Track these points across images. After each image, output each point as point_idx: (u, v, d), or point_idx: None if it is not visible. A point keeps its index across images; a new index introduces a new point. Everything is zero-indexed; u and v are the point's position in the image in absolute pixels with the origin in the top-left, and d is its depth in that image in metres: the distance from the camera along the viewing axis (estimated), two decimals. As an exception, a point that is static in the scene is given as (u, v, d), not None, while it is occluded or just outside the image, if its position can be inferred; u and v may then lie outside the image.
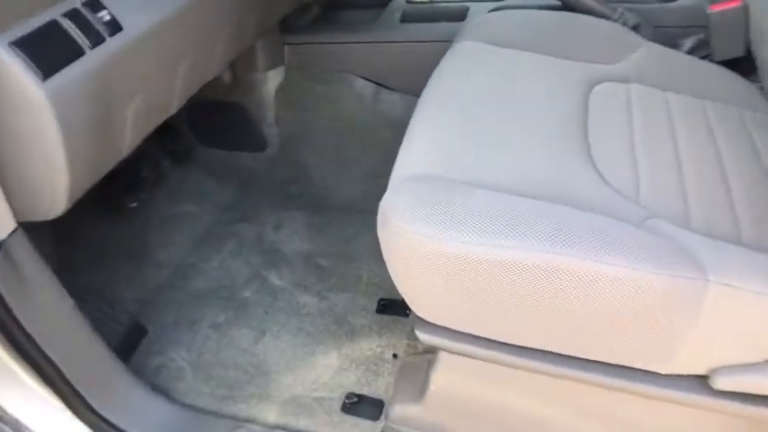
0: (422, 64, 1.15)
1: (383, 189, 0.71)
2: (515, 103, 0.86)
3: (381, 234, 0.65)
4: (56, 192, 0.68)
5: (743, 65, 1.03)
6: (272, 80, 1.37)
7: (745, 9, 0.98)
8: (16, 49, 0.58)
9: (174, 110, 0.92)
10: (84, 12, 0.64)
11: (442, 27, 1.28)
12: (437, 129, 0.80)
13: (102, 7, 0.66)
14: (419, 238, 0.60)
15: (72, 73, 0.62)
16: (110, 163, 0.82)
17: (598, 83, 0.94)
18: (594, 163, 0.76)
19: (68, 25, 0.62)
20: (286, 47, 1.36)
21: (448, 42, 1.08)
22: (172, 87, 0.88)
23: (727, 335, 0.62)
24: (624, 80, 0.96)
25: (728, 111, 0.94)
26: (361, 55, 1.31)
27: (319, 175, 1.39)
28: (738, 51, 1.02)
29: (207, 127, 1.46)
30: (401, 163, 0.74)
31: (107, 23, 0.65)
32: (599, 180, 0.73)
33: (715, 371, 0.65)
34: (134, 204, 1.32)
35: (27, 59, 0.59)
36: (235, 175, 1.47)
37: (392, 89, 1.33)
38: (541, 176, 0.71)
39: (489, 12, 1.19)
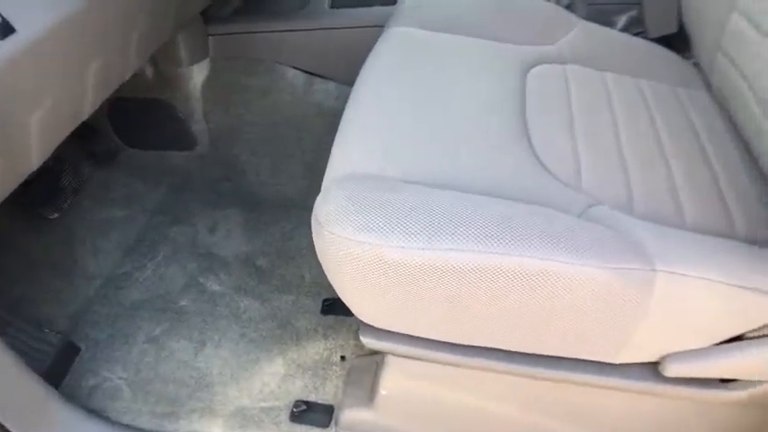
0: (355, 50, 1.11)
1: (320, 182, 0.67)
2: (451, 92, 0.82)
3: (316, 241, 0.61)
4: None
5: (676, 41, 1.03)
6: (198, 74, 1.29)
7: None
8: None
9: (86, 115, 0.85)
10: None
11: (375, 11, 1.24)
12: (370, 124, 0.75)
13: None
14: (355, 246, 0.56)
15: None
16: (18, 177, 0.75)
17: (534, 65, 0.91)
18: (535, 151, 0.74)
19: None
20: (210, 38, 1.28)
21: (381, 27, 1.04)
22: (82, 91, 0.81)
23: (677, 322, 0.61)
24: (561, 61, 0.94)
25: (664, 89, 0.94)
26: (290, 43, 1.25)
27: (253, 172, 1.33)
28: (672, 28, 1.01)
29: (131, 127, 1.37)
30: (334, 162, 0.69)
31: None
32: (540, 169, 0.71)
33: (665, 358, 0.64)
34: (54, 216, 1.23)
35: None
36: (163, 175, 1.39)
37: (325, 78, 1.28)
38: (480, 169, 0.68)
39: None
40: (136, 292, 1.15)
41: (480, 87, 0.84)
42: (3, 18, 0.59)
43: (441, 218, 0.57)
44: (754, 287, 0.60)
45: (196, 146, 1.37)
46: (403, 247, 0.55)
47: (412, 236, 0.55)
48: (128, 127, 1.38)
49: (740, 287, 0.59)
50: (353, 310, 0.65)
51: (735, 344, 0.64)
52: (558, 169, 0.71)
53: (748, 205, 0.72)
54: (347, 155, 0.70)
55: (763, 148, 0.74)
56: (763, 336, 0.64)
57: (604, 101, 0.88)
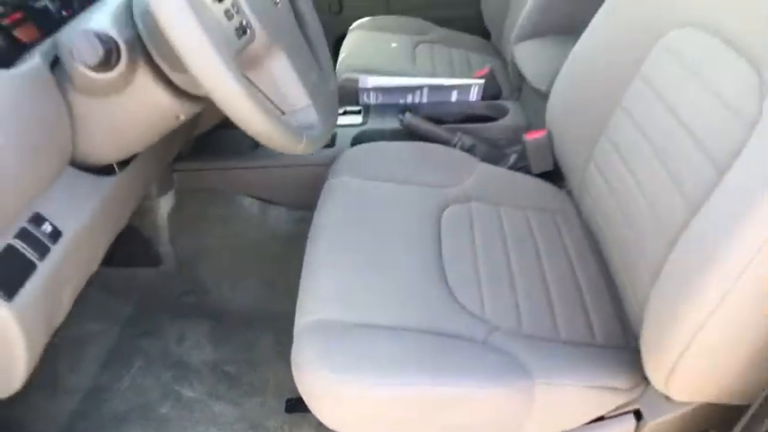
0: (302, 182, 1.36)
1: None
2: (386, 235, 1.08)
3: (299, 382, 0.83)
4: (11, 380, 0.79)
5: (554, 174, 1.33)
6: (164, 205, 1.49)
7: (549, 136, 1.28)
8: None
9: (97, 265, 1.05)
10: (31, 228, 0.77)
11: (317, 153, 1.49)
12: (326, 270, 0.99)
13: (44, 220, 0.79)
14: (330, 384, 0.79)
15: (30, 287, 0.74)
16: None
17: (447, 206, 1.18)
18: (449, 286, 0.99)
19: (20, 245, 0.75)
20: (175, 173, 1.49)
21: (322, 166, 1.30)
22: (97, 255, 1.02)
23: (554, 419, 0.86)
24: (467, 200, 1.21)
25: (546, 217, 1.22)
26: (246, 177, 1.48)
27: (216, 288, 1.53)
28: (549, 166, 1.31)
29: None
30: (301, 309, 0.92)
31: (50, 234, 0.79)
32: (453, 303, 0.96)
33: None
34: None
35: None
36: (133, 289, 1.57)
37: (278, 204, 1.51)
38: (409, 309, 0.92)
39: (352, 146, 1.41)
40: (118, 404, 1.31)
41: (408, 231, 1.09)
42: (54, 226, 0.80)
43: (387, 358, 0.81)
44: (609, 385, 0.87)
45: (162, 264, 1.56)
46: (365, 382, 0.79)
47: (372, 372, 0.79)
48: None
49: (599, 387, 0.86)
50: (327, 424, 0.87)
51: (597, 423, 0.91)
52: (467, 301, 0.97)
53: (605, 316, 1.00)
54: (311, 303, 0.93)
55: (618, 267, 1.02)
56: (618, 414, 0.92)
57: (499, 232, 1.15)
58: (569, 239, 1.16)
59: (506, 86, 1.71)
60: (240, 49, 0.72)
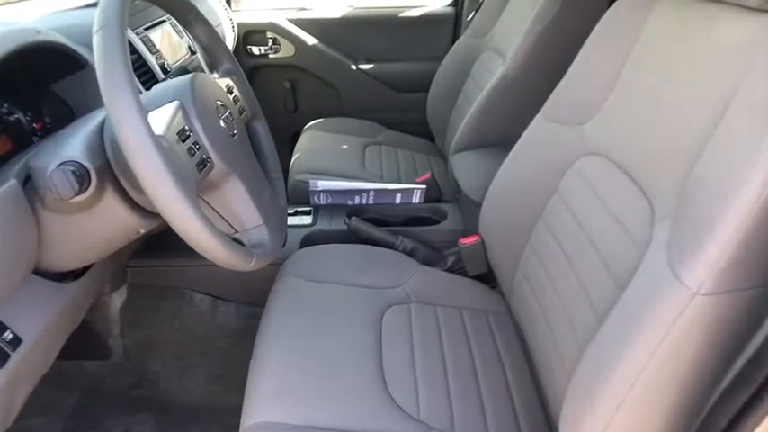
0: (252, 281, 1.43)
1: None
2: (330, 337, 1.15)
3: None
4: None
5: (488, 276, 1.44)
6: (117, 299, 1.54)
7: (482, 242, 1.40)
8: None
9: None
10: (-7, 341, 0.82)
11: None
12: (270, 372, 1.05)
13: (6, 328, 0.84)
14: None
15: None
16: None
17: (388, 307, 1.27)
18: (388, 387, 1.07)
19: (-19, 359, 0.80)
20: (129, 269, 1.55)
21: (272, 265, 1.37)
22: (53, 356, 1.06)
23: None
24: (407, 301, 1.31)
25: (479, 317, 1.32)
26: (198, 274, 1.54)
27: (164, 380, 1.56)
28: (483, 269, 1.42)
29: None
30: (247, 410, 0.98)
31: (10, 341, 0.84)
32: (391, 404, 1.03)
33: None
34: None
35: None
36: (79, 382, 1.57)
37: (229, 301, 1.57)
38: (349, 411, 0.99)
39: (301, 247, 1.51)
40: (59, 502, 1.31)
41: (350, 333, 1.17)
42: (14, 334, 0.85)
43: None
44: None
45: (110, 357, 1.58)
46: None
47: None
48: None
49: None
50: None
51: None
52: (404, 403, 1.04)
53: (532, 416, 1.08)
54: (256, 404, 0.99)
55: (541, 366, 1.11)
56: None
57: (435, 331, 1.23)
58: (500, 339, 1.26)
59: (447, 188, 1.85)
60: (200, 179, 0.81)
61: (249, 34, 2.47)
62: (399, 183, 1.84)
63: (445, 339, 1.22)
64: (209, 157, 0.83)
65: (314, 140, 2.18)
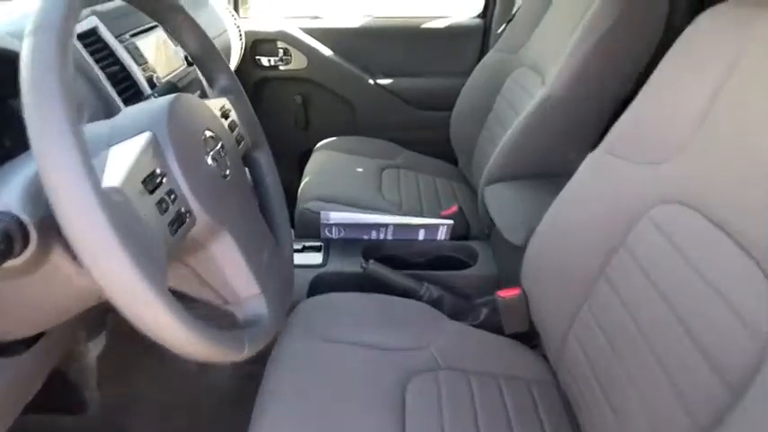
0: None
1: None
2: (342, 410, 0.94)
3: None
4: None
5: (527, 334, 1.23)
6: (94, 348, 1.33)
7: (524, 296, 1.18)
8: None
9: None
10: None
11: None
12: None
13: None
14: None
15: None
16: None
17: (412, 376, 1.05)
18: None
19: None
20: (109, 314, 1.34)
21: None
22: None
23: None
24: (434, 368, 1.09)
25: (519, 386, 1.10)
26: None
27: (144, 438, 1.35)
28: (524, 327, 1.21)
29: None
30: None
31: None
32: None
33: None
34: None
35: None
36: (51, 438, 1.37)
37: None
38: None
39: (309, 290, 1.30)
40: None
41: (367, 407, 0.96)
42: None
43: None
44: None
45: (87, 411, 1.37)
46: None
47: None
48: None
49: None
50: None
51: None
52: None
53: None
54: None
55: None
56: None
57: (470, 410, 1.02)
58: (546, 415, 1.04)
59: (475, 221, 1.63)
60: (176, 242, 0.60)
61: (258, 43, 2.26)
62: (421, 213, 1.64)
63: (480, 416, 1.01)
64: (190, 211, 0.62)
65: (326, 161, 1.97)
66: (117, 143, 0.60)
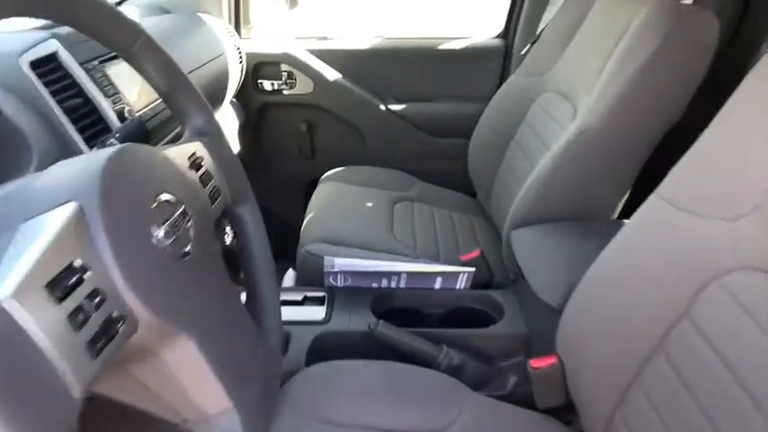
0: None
1: None
2: None
3: None
4: None
5: (564, 409, 1.04)
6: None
7: (561, 366, 1.00)
8: None
9: None
10: None
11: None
12: None
13: None
14: None
15: None
16: None
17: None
18: None
19: None
20: None
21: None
22: None
23: None
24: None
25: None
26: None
27: None
28: (559, 401, 1.02)
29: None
30: None
31: None
32: None
33: None
34: None
35: None
36: None
37: None
38: None
39: (309, 352, 1.13)
40: None
41: None
42: None
43: None
44: None
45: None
46: None
47: None
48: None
49: None
50: None
51: None
52: None
53: None
54: None
55: None
56: None
57: None
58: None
59: (498, 266, 1.45)
60: (99, 366, 0.43)
61: (260, 66, 2.11)
62: (437, 257, 1.46)
63: None
64: (125, 315, 0.45)
65: (332, 194, 1.80)
66: (31, 218, 0.44)
